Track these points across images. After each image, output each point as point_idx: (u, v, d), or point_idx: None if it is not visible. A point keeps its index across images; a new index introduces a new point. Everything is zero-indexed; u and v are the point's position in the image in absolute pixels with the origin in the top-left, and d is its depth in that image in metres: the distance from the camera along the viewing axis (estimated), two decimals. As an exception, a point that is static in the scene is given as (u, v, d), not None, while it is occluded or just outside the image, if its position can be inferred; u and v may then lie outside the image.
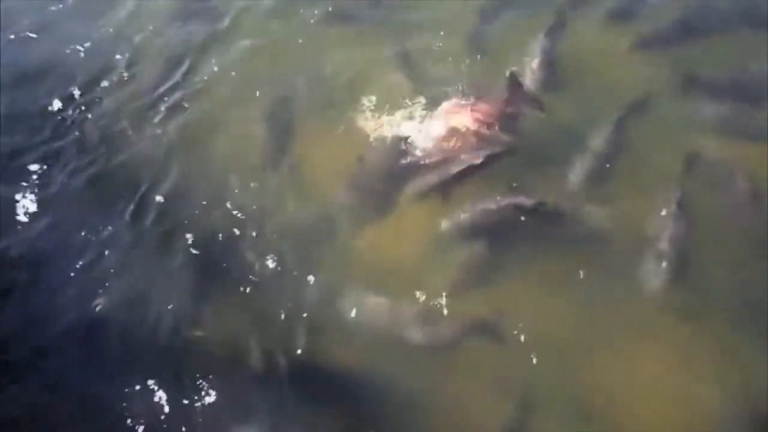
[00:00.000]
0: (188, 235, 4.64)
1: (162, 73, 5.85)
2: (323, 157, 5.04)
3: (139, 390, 3.94)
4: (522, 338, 3.95)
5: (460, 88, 5.16)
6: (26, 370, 4.09)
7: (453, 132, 4.75)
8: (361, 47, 5.75)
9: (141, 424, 3.83)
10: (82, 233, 4.71)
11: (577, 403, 3.75)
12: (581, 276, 4.18)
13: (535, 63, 5.29)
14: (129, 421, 3.84)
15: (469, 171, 4.60)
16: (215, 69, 5.82)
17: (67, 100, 5.68)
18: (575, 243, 4.37)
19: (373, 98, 5.24)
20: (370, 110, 5.18)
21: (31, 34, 6.30)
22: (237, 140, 5.26)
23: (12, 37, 6.28)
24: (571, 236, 4.41)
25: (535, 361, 3.88)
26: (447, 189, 4.61)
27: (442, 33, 5.76)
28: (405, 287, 4.24)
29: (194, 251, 4.58)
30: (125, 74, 5.87)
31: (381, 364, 4.00)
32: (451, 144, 4.74)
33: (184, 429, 3.80)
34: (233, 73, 5.76)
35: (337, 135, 5.12)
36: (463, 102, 4.92)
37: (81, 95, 5.71)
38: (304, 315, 4.19)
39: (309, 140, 5.19)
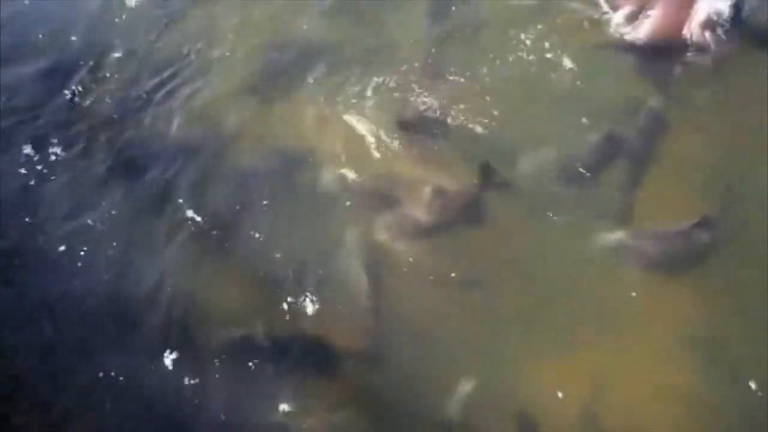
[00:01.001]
0: (186, 206, 4.69)
1: (159, 49, 5.89)
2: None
3: (138, 361, 4.00)
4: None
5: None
6: (21, 340, 4.20)
7: None
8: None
9: (137, 394, 3.89)
10: (82, 205, 4.79)
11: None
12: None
13: None
14: (124, 391, 3.90)
15: None
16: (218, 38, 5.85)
17: (69, 73, 5.74)
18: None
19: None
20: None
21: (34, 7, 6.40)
22: (232, 107, 5.32)
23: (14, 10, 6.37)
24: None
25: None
26: None
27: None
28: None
29: (191, 221, 4.64)
30: (126, 48, 5.92)
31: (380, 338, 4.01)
32: None
33: (184, 398, 3.85)
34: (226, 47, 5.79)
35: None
36: None
37: (82, 69, 5.76)
38: (302, 283, 4.21)
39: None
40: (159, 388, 3.89)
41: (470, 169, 4.56)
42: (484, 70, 5.14)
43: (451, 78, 5.17)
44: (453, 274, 4.16)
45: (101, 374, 3.96)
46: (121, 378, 3.95)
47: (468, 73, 5.16)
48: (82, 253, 4.54)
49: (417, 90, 5.13)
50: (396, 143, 4.82)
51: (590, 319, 3.89)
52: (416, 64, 5.28)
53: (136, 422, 3.82)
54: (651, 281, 3.99)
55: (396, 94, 5.14)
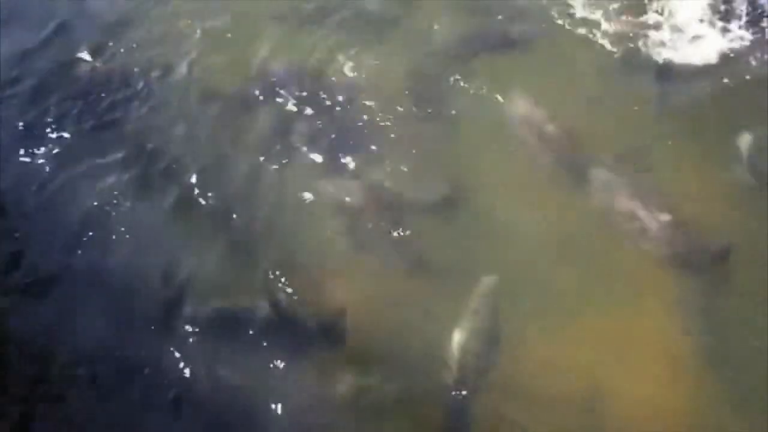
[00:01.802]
0: (186, 181, 4.70)
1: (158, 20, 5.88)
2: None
3: (140, 335, 4.00)
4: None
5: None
6: (30, 316, 4.17)
7: None
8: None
9: (142, 366, 3.87)
10: (85, 181, 4.76)
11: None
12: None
13: None
14: (129, 364, 3.89)
15: None
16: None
17: (72, 45, 5.74)
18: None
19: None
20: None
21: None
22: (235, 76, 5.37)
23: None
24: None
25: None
26: None
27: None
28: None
29: (189, 195, 4.64)
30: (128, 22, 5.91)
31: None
32: None
33: (181, 368, 3.84)
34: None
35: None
36: None
37: (84, 41, 5.75)
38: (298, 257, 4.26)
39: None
40: (164, 361, 3.88)
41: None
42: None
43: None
44: (448, 236, 4.25)
45: (107, 347, 3.96)
46: (128, 351, 3.94)
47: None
48: (89, 229, 4.51)
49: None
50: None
51: (595, 289, 3.95)
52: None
53: (143, 394, 3.81)
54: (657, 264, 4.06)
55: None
